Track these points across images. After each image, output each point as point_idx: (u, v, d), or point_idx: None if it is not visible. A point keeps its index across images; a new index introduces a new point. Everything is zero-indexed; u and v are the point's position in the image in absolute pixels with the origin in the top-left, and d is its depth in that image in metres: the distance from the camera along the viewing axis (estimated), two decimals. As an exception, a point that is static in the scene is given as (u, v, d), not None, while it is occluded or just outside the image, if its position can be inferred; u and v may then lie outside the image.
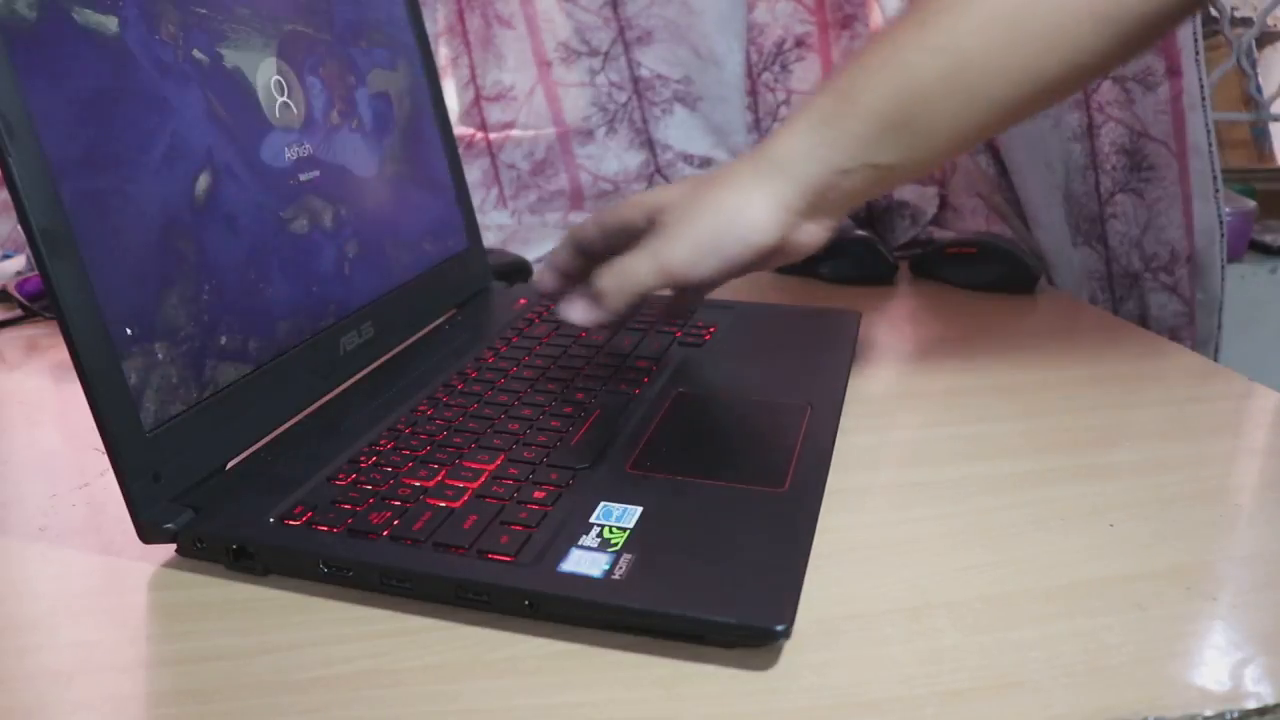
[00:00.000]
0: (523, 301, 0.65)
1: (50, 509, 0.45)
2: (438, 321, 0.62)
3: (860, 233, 0.80)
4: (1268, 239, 0.92)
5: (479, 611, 0.36)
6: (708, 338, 0.59)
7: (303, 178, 0.50)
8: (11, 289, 0.72)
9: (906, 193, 0.89)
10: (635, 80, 0.89)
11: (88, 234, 0.37)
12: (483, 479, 0.42)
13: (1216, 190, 0.74)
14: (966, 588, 0.38)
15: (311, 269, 0.50)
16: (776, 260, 0.49)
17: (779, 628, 0.33)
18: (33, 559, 0.41)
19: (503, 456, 0.43)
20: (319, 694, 0.32)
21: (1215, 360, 0.76)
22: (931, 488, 0.45)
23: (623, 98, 0.90)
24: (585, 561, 0.36)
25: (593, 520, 0.38)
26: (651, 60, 0.88)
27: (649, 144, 0.90)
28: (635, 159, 0.90)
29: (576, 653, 0.34)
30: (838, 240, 0.78)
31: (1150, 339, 0.67)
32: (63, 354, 0.39)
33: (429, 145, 0.63)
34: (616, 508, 0.39)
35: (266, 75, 0.48)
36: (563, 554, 0.36)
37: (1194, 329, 0.78)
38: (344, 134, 0.54)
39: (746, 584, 0.35)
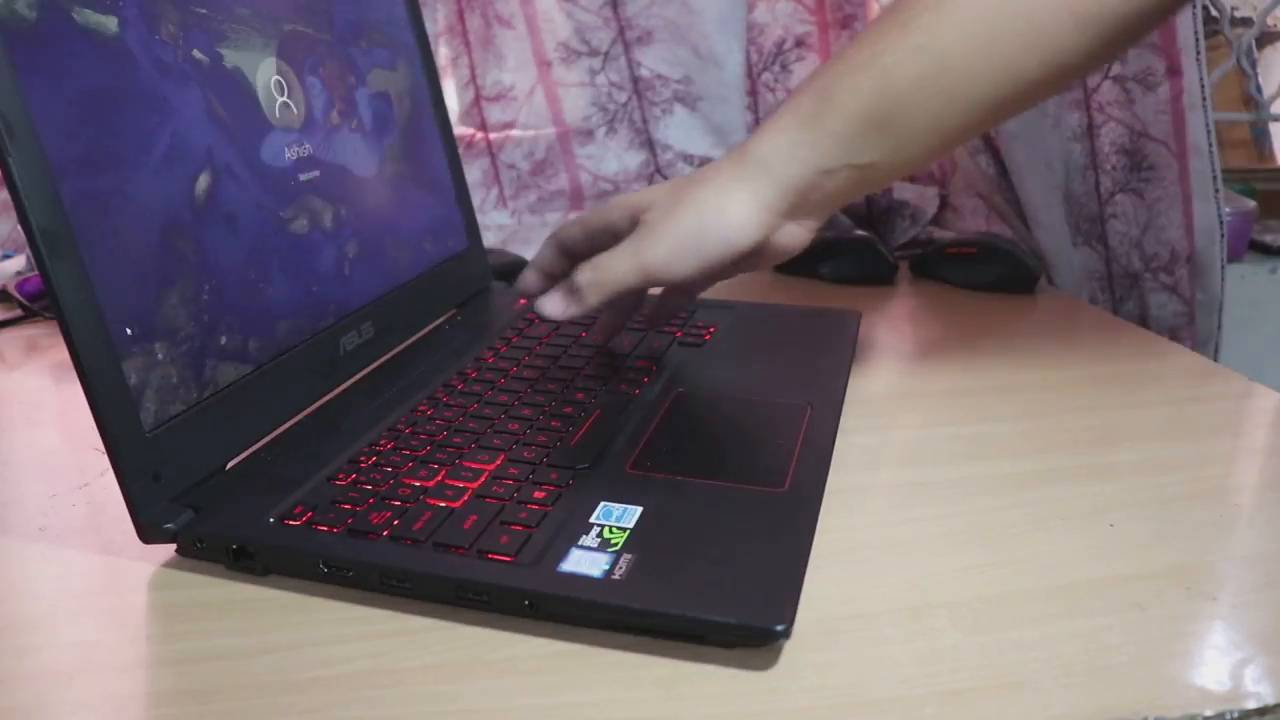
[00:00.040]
0: (523, 301, 0.65)
1: (50, 509, 0.45)
2: (438, 321, 0.62)
3: (860, 233, 0.80)
4: (1268, 239, 0.92)
5: (479, 611, 0.36)
6: (707, 338, 0.59)
7: (303, 178, 0.50)
8: (11, 289, 0.72)
9: (906, 193, 0.89)
10: (635, 80, 0.89)
11: (88, 234, 0.37)
12: (483, 479, 0.42)
13: (1216, 190, 0.74)
14: (966, 588, 0.38)
15: (311, 269, 0.50)
16: (759, 262, 0.49)
17: (779, 628, 0.33)
18: (33, 559, 0.41)
19: (503, 456, 0.43)
20: (319, 694, 0.32)
21: (1215, 360, 0.76)
22: (931, 488, 0.45)
23: (623, 98, 0.90)
24: (585, 561, 0.36)
25: (593, 520, 0.38)
26: (651, 60, 0.88)
27: (649, 144, 0.90)
28: (635, 159, 0.90)
29: (576, 653, 0.34)
30: (838, 240, 0.79)
31: (1150, 339, 0.67)
32: (63, 354, 0.39)
33: (429, 145, 0.63)
34: (616, 508, 0.39)
35: (266, 75, 0.48)
36: (563, 554, 0.36)
37: (1194, 329, 0.78)
38: (344, 134, 0.54)
39: (746, 584, 0.35)
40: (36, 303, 0.72)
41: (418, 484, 0.41)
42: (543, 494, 0.40)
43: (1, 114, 0.34)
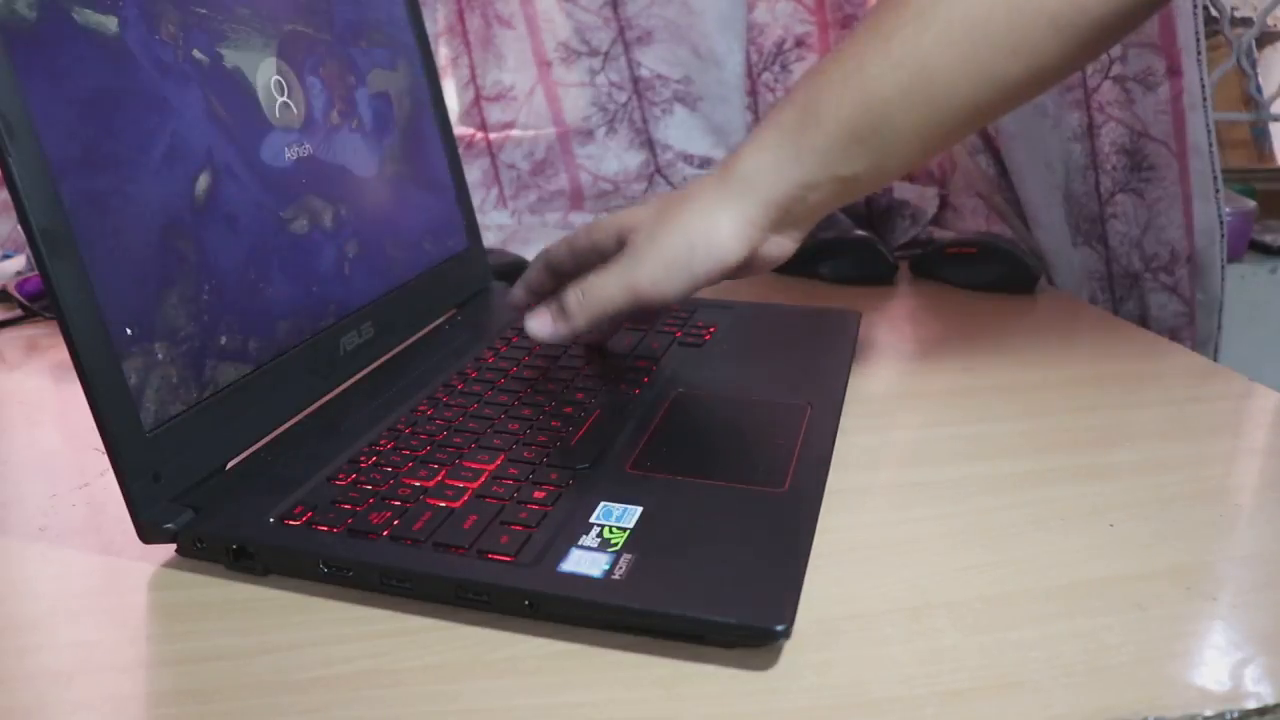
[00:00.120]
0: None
1: (50, 509, 0.45)
2: (438, 321, 0.62)
3: (860, 233, 0.80)
4: (1268, 239, 0.92)
5: (479, 611, 0.36)
6: (708, 338, 0.59)
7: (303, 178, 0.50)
8: (11, 289, 0.72)
9: (906, 193, 0.89)
10: (635, 80, 0.89)
11: (88, 234, 0.37)
12: (483, 479, 0.42)
13: (1217, 190, 0.74)
14: (966, 588, 0.38)
15: (311, 269, 0.50)
16: (745, 273, 0.50)
17: (779, 628, 0.33)
18: (33, 559, 0.41)
19: (503, 456, 0.43)
20: (319, 694, 0.32)
21: (1215, 360, 0.76)
22: (931, 488, 0.45)
23: (623, 98, 0.90)
24: (585, 561, 0.36)
25: (593, 520, 0.38)
26: (651, 60, 0.88)
27: (649, 144, 0.90)
28: (635, 159, 0.90)
29: (576, 653, 0.34)
30: (838, 240, 0.79)
31: (1150, 339, 0.67)
32: (63, 354, 0.39)
33: (429, 145, 0.63)
34: (616, 508, 0.39)
35: (266, 75, 0.48)
36: (563, 554, 0.36)
37: (1194, 329, 0.78)
38: (344, 134, 0.54)
39: (747, 584, 0.35)
40: (36, 303, 0.72)
41: (418, 484, 0.41)
42: (543, 494, 0.40)
43: (1, 114, 0.34)
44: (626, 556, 0.36)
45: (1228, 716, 0.31)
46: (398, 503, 0.40)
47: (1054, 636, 0.35)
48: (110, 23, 0.40)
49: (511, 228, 0.89)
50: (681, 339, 0.59)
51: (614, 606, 0.34)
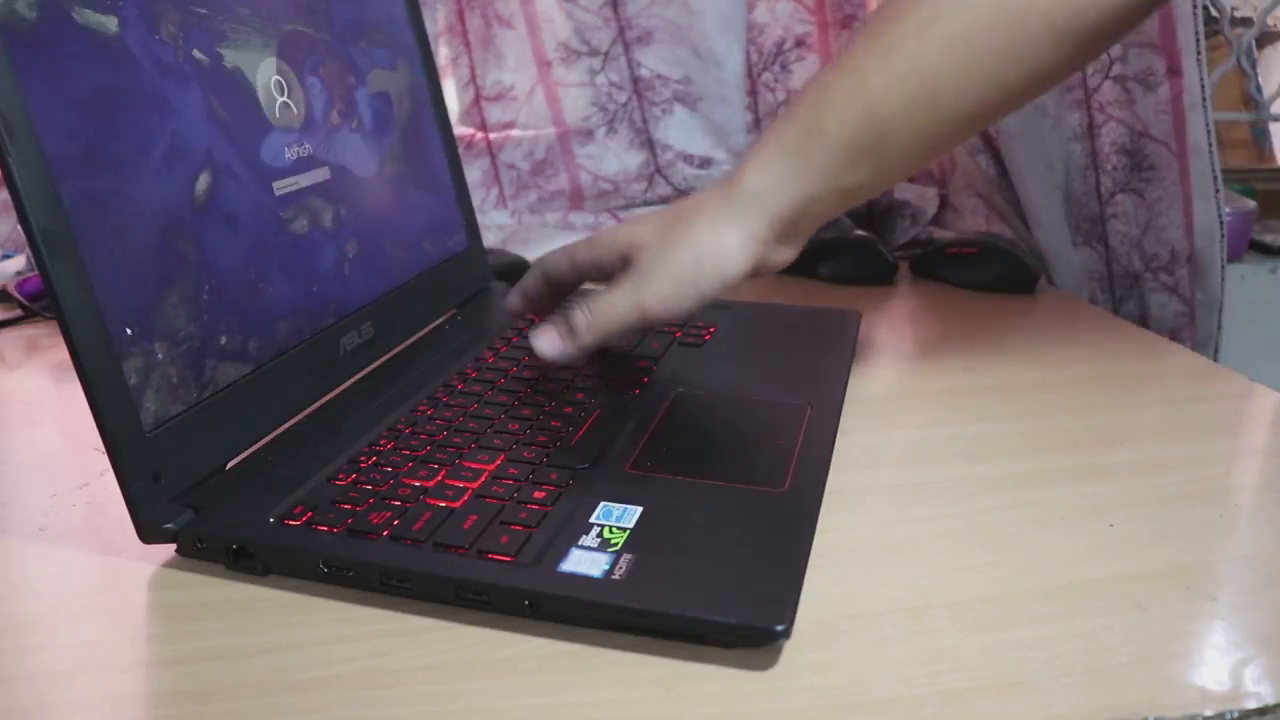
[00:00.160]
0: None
1: (50, 509, 0.45)
2: (438, 322, 0.62)
3: (860, 233, 0.80)
4: (1268, 239, 0.92)
5: (479, 611, 0.36)
6: (707, 338, 0.59)
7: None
8: (11, 289, 0.72)
9: (907, 193, 0.89)
10: (635, 80, 0.89)
11: (88, 234, 0.37)
12: (483, 479, 0.42)
13: (1217, 190, 0.74)
14: (966, 588, 0.38)
15: (311, 269, 0.50)
16: (746, 282, 0.50)
17: (779, 628, 0.33)
18: (33, 559, 0.41)
19: (503, 456, 0.43)
20: (319, 694, 0.32)
21: (1215, 360, 0.76)
22: (931, 488, 0.45)
23: (623, 98, 0.90)
24: (585, 561, 0.36)
25: (593, 520, 0.38)
26: (651, 60, 0.88)
27: (649, 144, 0.90)
28: (635, 159, 0.90)
29: (576, 653, 0.34)
30: (838, 240, 0.79)
31: (1150, 339, 0.67)
32: (63, 354, 0.39)
33: (429, 145, 0.63)
34: (616, 508, 0.39)
35: (266, 75, 0.48)
36: (563, 554, 0.36)
37: (1194, 329, 0.78)
38: (344, 134, 0.54)
39: (746, 584, 0.35)
40: (36, 303, 0.72)
41: (418, 484, 0.41)
42: (543, 494, 0.40)
43: (1, 114, 0.34)
44: (626, 556, 0.36)
45: (1228, 716, 0.31)
46: (398, 503, 0.40)
47: (1054, 636, 0.35)
48: (110, 23, 0.40)
49: (511, 228, 0.89)
50: (681, 339, 0.59)
51: (614, 606, 0.34)
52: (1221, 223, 0.75)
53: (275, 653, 0.34)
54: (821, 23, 0.92)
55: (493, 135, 0.91)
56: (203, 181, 0.43)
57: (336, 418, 0.48)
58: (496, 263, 0.74)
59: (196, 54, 0.44)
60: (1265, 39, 1.12)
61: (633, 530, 0.38)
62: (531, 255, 0.81)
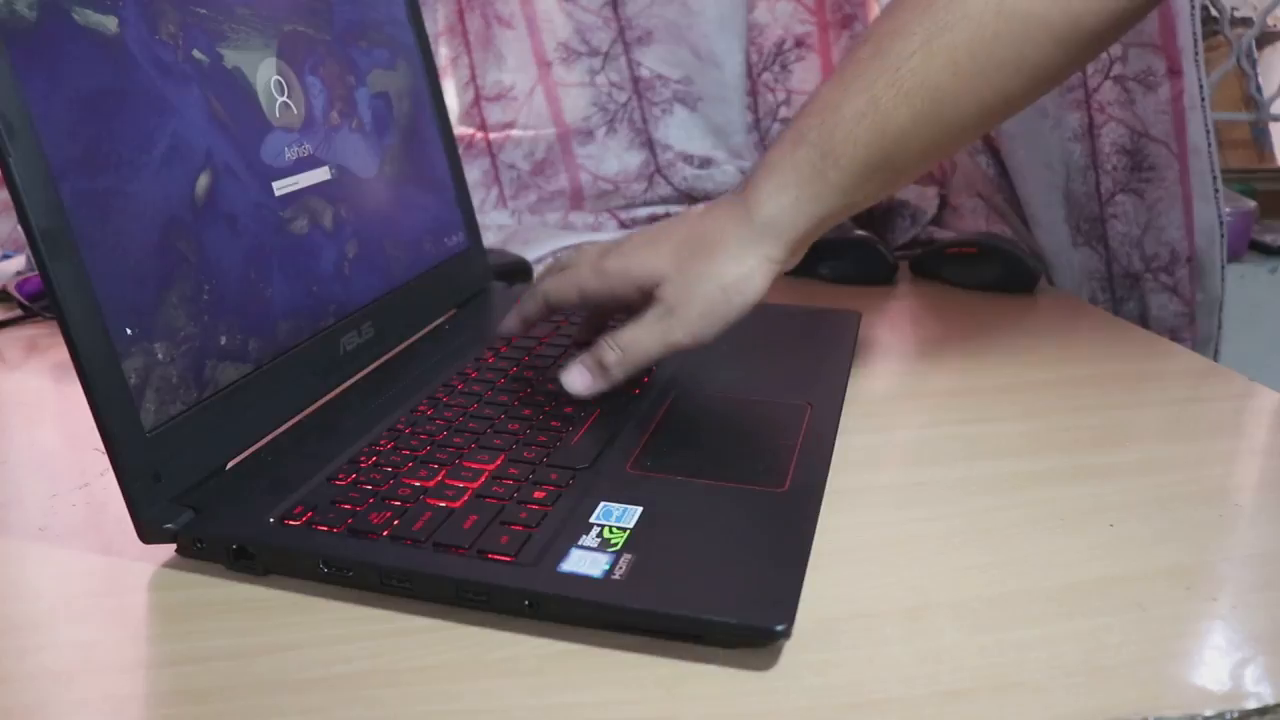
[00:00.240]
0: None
1: (50, 509, 0.45)
2: (438, 321, 0.62)
3: (860, 233, 0.80)
4: (1268, 239, 0.92)
5: (479, 611, 0.36)
6: (708, 338, 0.59)
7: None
8: (11, 289, 0.72)
9: (907, 193, 0.89)
10: (635, 80, 0.89)
11: (88, 234, 0.37)
12: (483, 479, 0.42)
13: (1217, 190, 0.74)
14: (966, 588, 0.38)
15: (311, 269, 0.50)
16: None
17: (779, 628, 0.33)
18: (33, 559, 0.41)
19: (503, 456, 0.43)
20: (319, 694, 0.32)
21: (1215, 360, 0.76)
22: (931, 488, 0.45)
23: (623, 98, 0.90)
24: (585, 561, 0.36)
25: (593, 520, 0.38)
26: (651, 60, 0.88)
27: (649, 144, 0.90)
28: (635, 159, 0.90)
29: (576, 653, 0.34)
30: (838, 240, 0.79)
31: (1150, 339, 0.67)
32: (63, 354, 0.39)
33: (429, 145, 0.63)
34: (616, 508, 0.39)
35: (266, 75, 0.48)
36: (563, 554, 0.36)
37: (1194, 329, 0.78)
38: (344, 134, 0.54)
39: (746, 584, 0.35)
40: (36, 303, 0.72)
41: (418, 484, 0.41)
42: (543, 494, 0.40)
43: (1, 114, 0.34)
44: (626, 556, 0.36)
45: (1228, 716, 0.31)
46: (398, 503, 0.40)
47: (1054, 636, 0.35)
48: (110, 23, 0.40)
49: (511, 228, 0.89)
50: (681, 339, 0.59)
51: (614, 606, 0.34)
52: (1221, 223, 0.75)
53: (275, 653, 0.34)
54: (821, 23, 0.92)
55: (493, 135, 0.91)
56: (203, 182, 0.43)
57: (336, 418, 0.48)
58: (496, 263, 0.74)
59: (196, 54, 0.44)
60: (1265, 39, 1.11)
61: (633, 530, 0.38)
62: (531, 255, 0.81)
